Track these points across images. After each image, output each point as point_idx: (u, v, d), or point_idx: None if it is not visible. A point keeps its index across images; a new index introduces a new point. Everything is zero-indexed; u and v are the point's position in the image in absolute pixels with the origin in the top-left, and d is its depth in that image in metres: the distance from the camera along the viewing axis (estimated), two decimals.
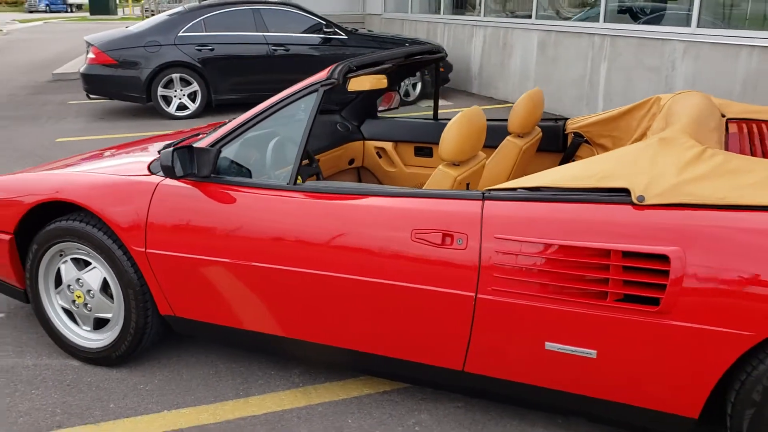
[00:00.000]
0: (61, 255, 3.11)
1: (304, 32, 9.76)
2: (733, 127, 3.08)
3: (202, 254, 2.75)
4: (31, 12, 63.44)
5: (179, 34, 9.25)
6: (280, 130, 2.94)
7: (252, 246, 2.65)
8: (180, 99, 9.31)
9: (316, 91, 2.72)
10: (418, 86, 10.39)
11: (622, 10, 8.25)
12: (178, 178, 2.79)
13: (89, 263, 3.06)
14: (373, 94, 4.15)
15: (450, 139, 2.72)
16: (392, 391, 2.93)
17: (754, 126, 3.11)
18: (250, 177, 2.86)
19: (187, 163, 2.72)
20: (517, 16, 10.39)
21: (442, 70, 10.38)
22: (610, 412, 2.33)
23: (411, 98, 10.36)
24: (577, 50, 8.78)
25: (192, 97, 9.35)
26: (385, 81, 2.97)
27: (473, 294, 2.36)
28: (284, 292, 2.67)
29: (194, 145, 2.77)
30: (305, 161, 3.37)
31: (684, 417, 2.22)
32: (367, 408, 2.81)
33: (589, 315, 2.21)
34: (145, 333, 3.00)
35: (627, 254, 2.15)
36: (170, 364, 3.17)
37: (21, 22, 41.13)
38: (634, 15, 8.21)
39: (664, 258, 2.12)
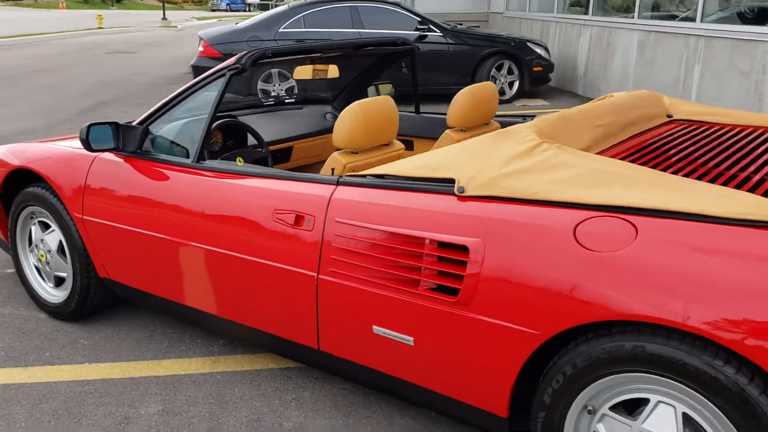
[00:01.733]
0: (31, 218, 3.49)
1: (398, 29, 9.92)
2: (673, 127, 2.92)
3: (123, 223, 3.00)
4: (213, 11, 68.45)
5: (279, 30, 9.74)
6: (197, 111, 3.13)
7: (158, 218, 2.87)
8: (278, 93, 9.79)
9: (224, 75, 2.88)
10: (515, 85, 10.22)
11: (726, 9, 7.68)
12: (92, 152, 3.06)
13: (50, 226, 3.43)
14: (364, 84, 4.24)
15: (340, 127, 2.78)
16: (293, 368, 3.04)
17: (697, 127, 2.93)
18: (184, 155, 3.07)
19: (110, 139, 2.98)
20: (622, 15, 9.94)
21: (538, 69, 10.14)
22: (434, 401, 2.32)
23: (507, 96, 10.21)
24: (672, 52, 8.28)
25: (290, 91, 9.80)
26: (337, 71, 3.07)
27: (315, 274, 2.43)
28: (180, 262, 2.86)
29: (121, 123, 3.04)
30: (259, 149, 3.54)
31: (494, 414, 2.16)
32: (259, 380, 2.94)
33: (407, 302, 2.21)
34: (89, 293, 3.30)
35: (439, 244, 2.14)
36: (117, 325, 3.46)
37: (198, 19, 44.47)
38: (741, 15, 7.62)
39: (465, 249, 2.09)
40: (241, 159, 3.35)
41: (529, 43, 10.19)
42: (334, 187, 2.45)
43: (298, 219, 2.47)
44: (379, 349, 2.37)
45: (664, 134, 2.74)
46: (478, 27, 12.41)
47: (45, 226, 3.46)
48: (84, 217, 3.14)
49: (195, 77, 9.84)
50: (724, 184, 2.10)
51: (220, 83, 2.89)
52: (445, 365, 2.21)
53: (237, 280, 2.69)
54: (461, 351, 2.14)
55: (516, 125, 2.31)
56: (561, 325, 1.90)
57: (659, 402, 1.84)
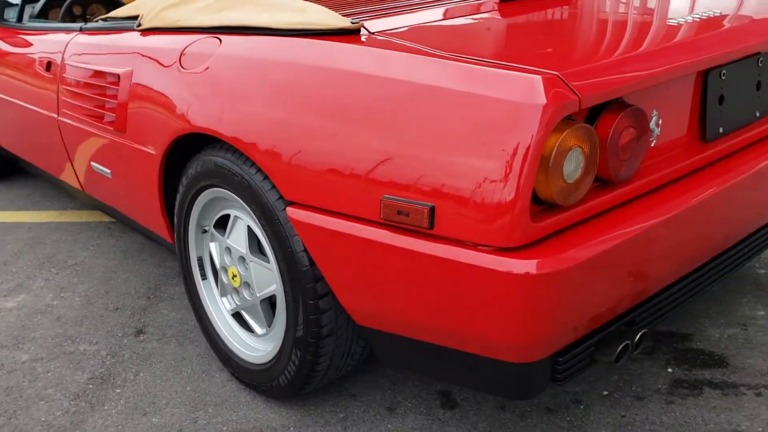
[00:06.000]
0: None
1: None
2: None
3: None
4: None
5: None
6: None
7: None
8: None
9: None
10: None
11: None
12: None
13: None
14: None
15: None
16: (110, 222, 3.25)
17: None
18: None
19: None
20: None
21: None
22: (135, 226, 2.47)
23: None
24: None
25: None
26: None
27: (56, 116, 2.60)
28: (11, 120, 3.11)
29: None
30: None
31: (164, 239, 2.28)
32: (61, 230, 3.18)
33: (99, 136, 2.34)
34: None
35: (109, 77, 2.24)
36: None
37: None
38: None
39: (118, 78, 2.18)
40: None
41: None
42: (76, 33, 2.58)
43: (49, 65, 2.63)
44: (100, 184, 2.52)
45: None
46: None
47: None
48: None
49: None
50: None
51: None
52: (128, 193, 2.34)
53: (32, 130, 2.91)
54: (132, 179, 2.25)
55: None
56: (164, 143, 1.97)
57: (236, 217, 1.89)
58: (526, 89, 1.29)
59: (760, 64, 1.80)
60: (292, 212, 1.61)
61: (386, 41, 1.60)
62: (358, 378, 2.03)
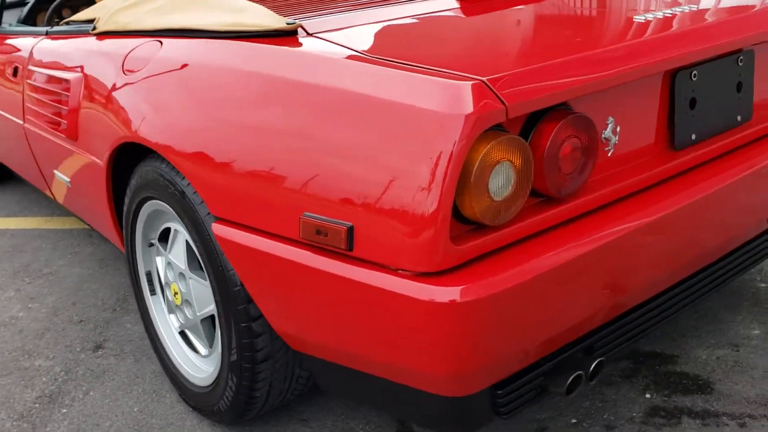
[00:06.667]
0: None
1: None
2: None
3: None
4: None
5: None
6: None
7: None
8: None
9: None
10: None
11: None
12: None
13: None
14: None
15: None
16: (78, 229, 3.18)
17: None
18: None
19: None
20: None
21: None
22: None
23: None
24: None
25: None
26: None
27: (22, 122, 2.53)
28: None
29: None
30: None
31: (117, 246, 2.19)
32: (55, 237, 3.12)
33: (57, 144, 2.26)
34: None
35: (63, 83, 2.16)
36: None
37: None
38: None
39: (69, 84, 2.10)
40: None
41: None
42: (42, 37, 2.50)
43: (15, 70, 2.57)
44: (62, 192, 2.44)
45: None
46: None
47: None
48: None
49: None
50: None
51: None
52: (84, 204, 2.26)
53: (7, 138, 2.85)
54: (84, 189, 2.17)
55: None
56: (108, 152, 1.88)
57: (176, 231, 1.79)
58: (446, 97, 1.16)
59: (740, 63, 1.63)
60: (217, 228, 1.50)
61: (320, 43, 1.48)
62: (311, 401, 1.92)
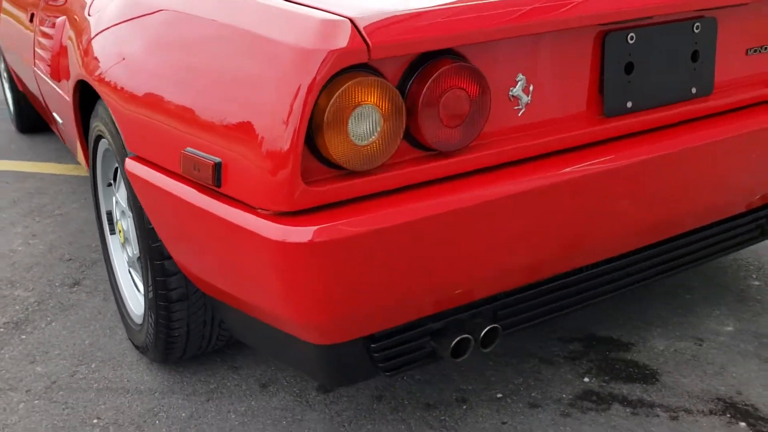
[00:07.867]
0: None
1: None
2: None
3: None
4: None
5: None
6: None
7: None
8: None
9: None
10: None
11: None
12: None
13: None
14: None
15: None
16: None
17: None
18: None
19: None
20: None
21: None
22: None
23: None
24: None
25: None
26: None
27: (33, 67, 2.65)
28: None
29: None
30: None
31: None
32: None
33: (51, 87, 2.35)
34: None
35: (55, 25, 2.24)
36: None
37: None
38: None
39: None
40: None
41: None
42: None
43: (32, 16, 2.69)
44: (61, 132, 2.55)
45: None
46: None
47: None
48: None
49: None
50: None
51: None
52: (69, 142, 2.36)
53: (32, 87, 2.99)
54: (65, 127, 2.26)
55: None
56: (71, 90, 1.94)
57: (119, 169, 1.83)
58: (305, 32, 1.13)
59: (696, 30, 1.51)
60: (128, 164, 1.52)
61: None
62: (246, 350, 1.93)
